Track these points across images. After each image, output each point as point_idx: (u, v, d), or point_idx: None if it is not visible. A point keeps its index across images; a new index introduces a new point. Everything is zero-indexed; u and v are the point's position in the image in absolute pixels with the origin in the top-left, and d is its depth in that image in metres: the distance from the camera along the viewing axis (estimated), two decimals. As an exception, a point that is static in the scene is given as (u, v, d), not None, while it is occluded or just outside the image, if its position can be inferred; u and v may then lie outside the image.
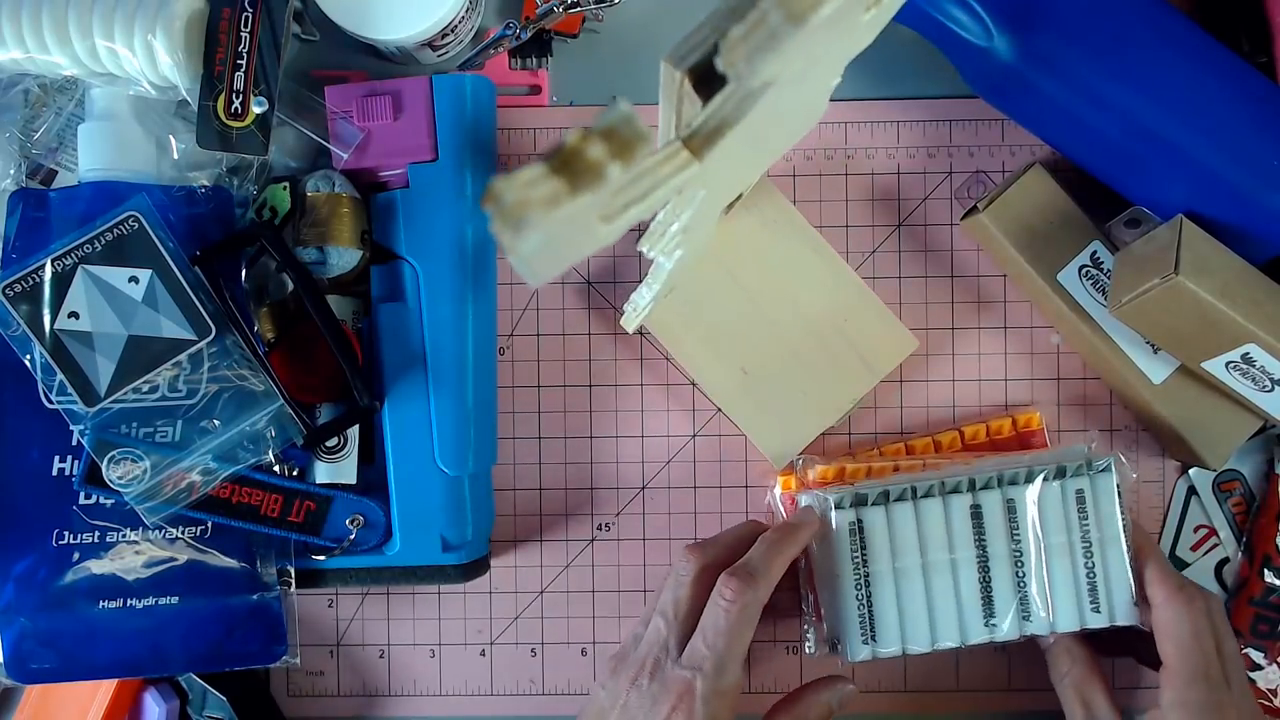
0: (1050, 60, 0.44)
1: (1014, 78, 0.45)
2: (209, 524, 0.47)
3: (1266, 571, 0.50)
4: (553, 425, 0.51)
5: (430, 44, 0.47)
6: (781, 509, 0.49)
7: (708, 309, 0.49)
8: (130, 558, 0.46)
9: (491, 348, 0.50)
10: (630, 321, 0.48)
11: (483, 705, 0.52)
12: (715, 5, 0.30)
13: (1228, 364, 0.44)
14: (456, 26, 0.48)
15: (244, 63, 0.45)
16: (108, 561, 0.46)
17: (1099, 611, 0.45)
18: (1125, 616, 0.45)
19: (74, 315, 0.44)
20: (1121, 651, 0.48)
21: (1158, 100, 0.43)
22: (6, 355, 0.44)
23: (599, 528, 0.51)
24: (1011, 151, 0.51)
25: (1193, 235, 0.43)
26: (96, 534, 0.46)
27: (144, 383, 0.45)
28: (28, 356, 0.44)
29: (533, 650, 0.52)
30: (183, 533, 0.46)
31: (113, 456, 0.44)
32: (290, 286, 0.48)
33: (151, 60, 0.44)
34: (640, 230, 0.50)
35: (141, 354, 0.44)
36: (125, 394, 0.44)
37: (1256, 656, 0.50)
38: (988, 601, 0.45)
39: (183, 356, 0.45)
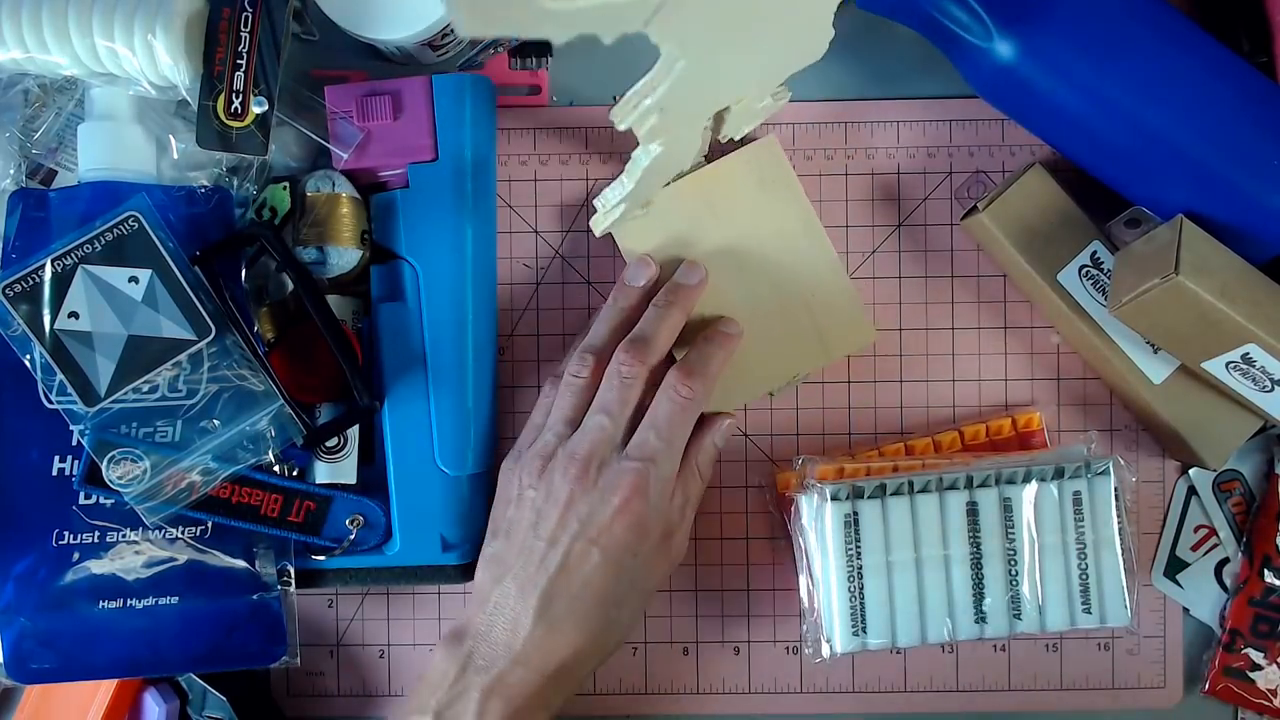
0: (1050, 60, 0.44)
1: (1014, 78, 0.45)
2: (209, 524, 0.46)
3: (1266, 571, 0.50)
4: (553, 425, 0.51)
5: (430, 44, 0.47)
6: (804, 520, 0.47)
7: (681, 244, 0.49)
8: (130, 558, 0.46)
9: (491, 348, 0.50)
10: (599, 223, 0.47)
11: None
12: None
13: (1228, 364, 0.44)
14: (456, 26, 0.48)
15: (244, 63, 0.45)
16: (107, 561, 0.46)
17: (1090, 613, 0.45)
18: (1117, 618, 0.45)
19: (74, 315, 0.44)
20: None
21: (1158, 100, 0.43)
22: (6, 355, 0.44)
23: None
24: (1011, 151, 0.51)
25: (1193, 235, 0.43)
26: (96, 534, 0.46)
27: (144, 383, 0.45)
28: (28, 356, 0.44)
29: (533, 650, 0.52)
30: (183, 533, 0.46)
31: (112, 456, 0.44)
32: (290, 286, 0.48)
33: (151, 60, 0.44)
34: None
35: (141, 354, 0.44)
36: (125, 394, 0.44)
37: (1256, 657, 0.50)
38: (979, 599, 0.45)
39: (183, 357, 0.45)
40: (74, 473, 0.45)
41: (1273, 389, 0.44)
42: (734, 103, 0.44)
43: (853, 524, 0.45)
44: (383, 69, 0.51)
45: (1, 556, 0.45)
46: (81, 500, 0.45)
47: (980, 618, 0.45)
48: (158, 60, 0.44)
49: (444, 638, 0.44)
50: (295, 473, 0.48)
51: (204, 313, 0.45)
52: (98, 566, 0.46)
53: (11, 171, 0.47)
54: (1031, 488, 0.45)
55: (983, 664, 0.51)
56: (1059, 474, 0.45)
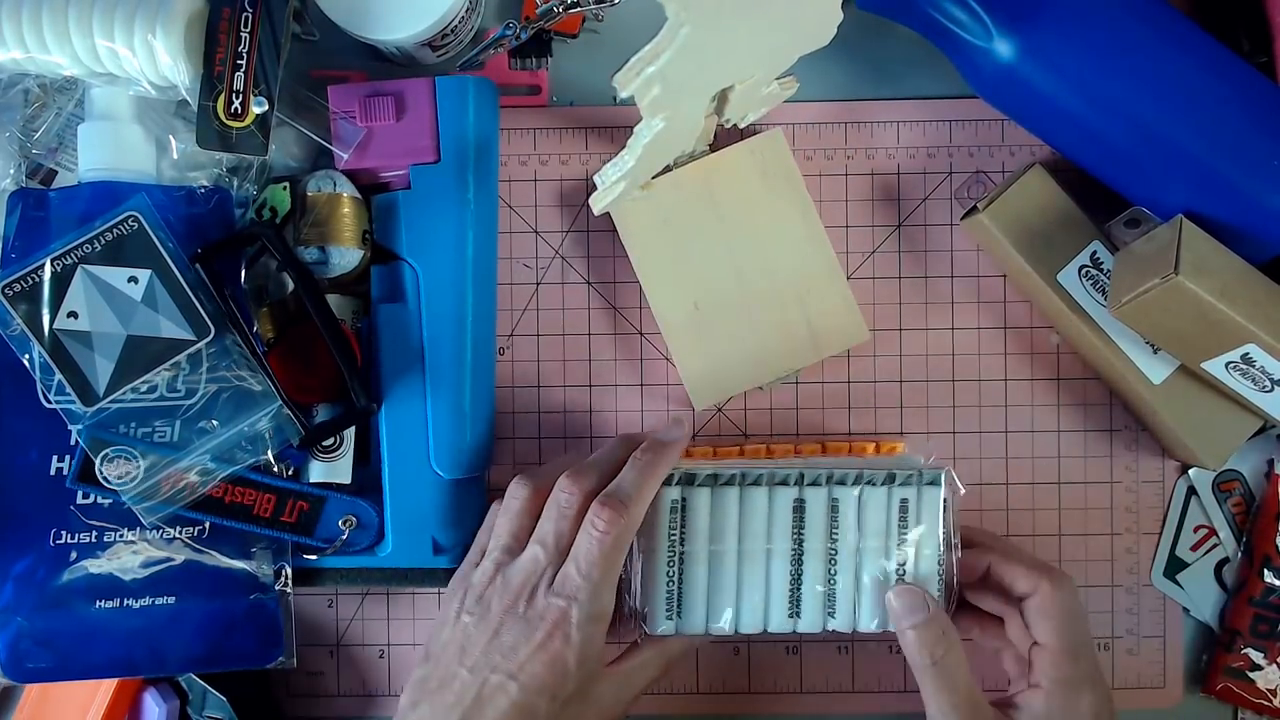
0: (1050, 60, 0.44)
1: (1014, 78, 0.45)
2: (206, 524, 0.46)
3: (1266, 571, 0.50)
4: (553, 425, 0.51)
5: (430, 44, 0.47)
6: None
7: (680, 230, 0.49)
8: (127, 557, 0.46)
9: (491, 351, 0.50)
10: (598, 200, 0.47)
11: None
12: None
13: (1228, 364, 0.44)
14: (456, 27, 0.48)
15: (244, 63, 0.45)
16: (105, 561, 0.46)
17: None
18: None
19: (73, 315, 0.44)
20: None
21: (1158, 100, 0.43)
22: (5, 355, 0.44)
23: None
24: (1011, 151, 0.51)
25: (1193, 235, 0.43)
26: (94, 534, 0.46)
27: (142, 383, 0.45)
28: (26, 356, 0.44)
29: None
30: (180, 533, 0.46)
31: (106, 454, 0.44)
32: (290, 286, 0.47)
33: (151, 60, 0.44)
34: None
35: (140, 354, 0.44)
36: (124, 394, 0.44)
37: (1256, 657, 0.50)
38: (795, 595, 0.45)
39: (181, 357, 0.45)
40: (72, 472, 0.45)
41: (1273, 389, 0.44)
42: (738, 82, 0.43)
43: (680, 510, 0.45)
44: (383, 69, 0.51)
45: (1, 556, 0.45)
46: (79, 500, 0.45)
47: (794, 613, 0.45)
48: (158, 60, 0.44)
49: None
50: (291, 472, 0.48)
51: (203, 313, 0.45)
52: (95, 566, 0.45)
53: (11, 171, 0.47)
54: (860, 490, 0.45)
55: (982, 664, 0.51)
56: (890, 479, 0.45)
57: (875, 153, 0.51)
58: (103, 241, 0.44)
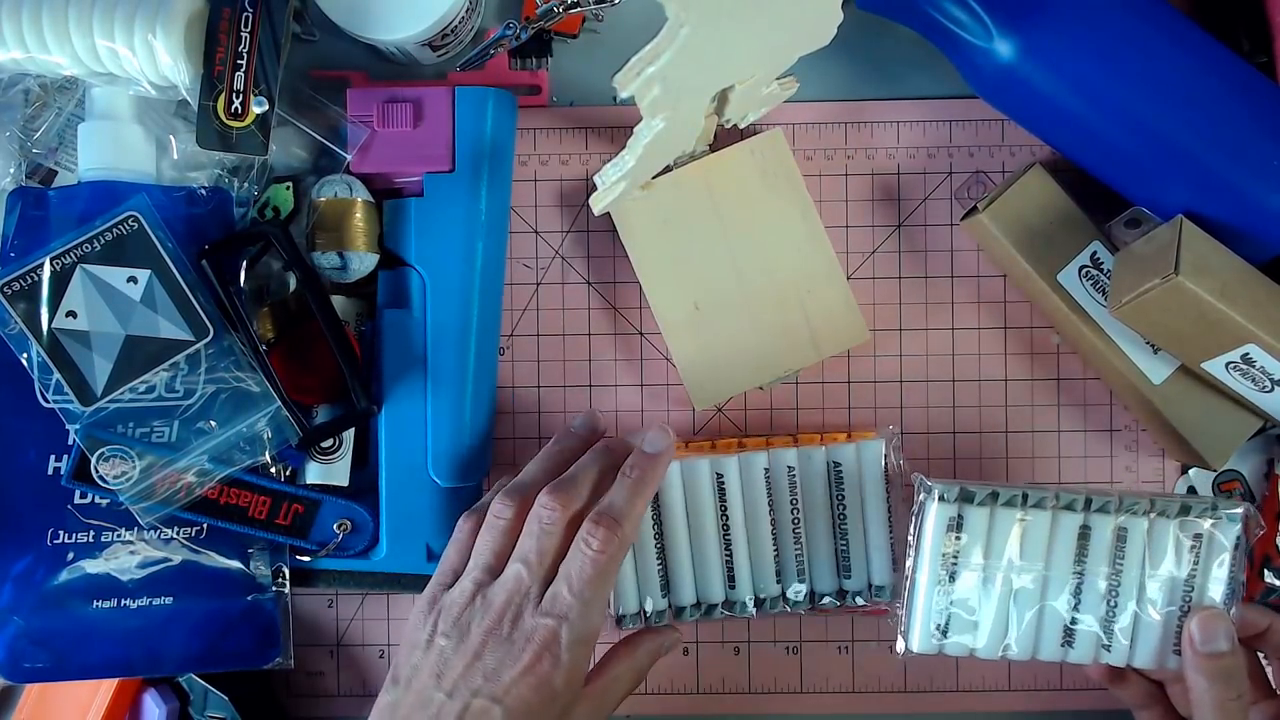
0: (1050, 60, 0.44)
1: (1014, 78, 0.45)
2: (204, 525, 0.46)
3: (1266, 571, 0.49)
4: (553, 425, 0.51)
5: (430, 44, 0.47)
6: None
7: (680, 230, 0.49)
8: (125, 558, 0.46)
9: (493, 362, 0.50)
10: (598, 200, 0.47)
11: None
12: None
13: (1228, 364, 0.44)
14: (456, 27, 0.48)
15: (244, 63, 0.45)
16: (102, 561, 0.46)
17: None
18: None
19: (72, 314, 0.44)
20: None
21: (1158, 100, 0.43)
22: (3, 354, 0.44)
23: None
24: (1011, 151, 0.51)
25: (1193, 235, 0.43)
26: (91, 533, 0.45)
27: (140, 383, 0.44)
28: (24, 355, 0.44)
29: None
30: (178, 533, 0.46)
31: (102, 453, 0.44)
32: (292, 286, 0.47)
33: (151, 60, 0.44)
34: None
35: (139, 354, 0.44)
36: (121, 394, 0.44)
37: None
38: (1071, 622, 0.44)
39: (180, 357, 0.45)
40: (70, 472, 0.45)
41: (1273, 389, 0.44)
42: (738, 82, 0.43)
43: (955, 527, 0.44)
44: (383, 69, 0.51)
45: (0, 556, 0.45)
46: (76, 500, 0.45)
47: (1068, 641, 0.44)
48: (158, 60, 0.44)
49: None
50: (288, 473, 0.48)
51: (202, 314, 0.45)
52: (92, 566, 0.45)
53: (11, 171, 0.47)
54: (1148, 521, 0.43)
55: (983, 664, 0.51)
56: (1184, 511, 0.43)
57: (875, 153, 0.51)
58: (102, 241, 0.44)
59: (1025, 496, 0.43)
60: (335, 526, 0.47)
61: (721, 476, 0.47)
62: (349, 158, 0.47)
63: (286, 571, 0.48)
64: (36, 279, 0.44)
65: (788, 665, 0.51)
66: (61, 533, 0.45)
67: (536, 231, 0.51)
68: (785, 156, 0.49)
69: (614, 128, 0.51)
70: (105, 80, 0.46)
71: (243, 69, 0.45)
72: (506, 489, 0.44)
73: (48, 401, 0.44)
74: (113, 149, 0.46)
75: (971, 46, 0.45)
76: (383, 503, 0.48)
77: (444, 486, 0.48)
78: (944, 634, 0.44)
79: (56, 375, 0.44)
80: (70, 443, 0.45)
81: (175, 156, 0.48)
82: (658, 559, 0.47)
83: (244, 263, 0.47)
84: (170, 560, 0.46)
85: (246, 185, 0.48)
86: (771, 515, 0.47)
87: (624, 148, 0.44)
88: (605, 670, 0.43)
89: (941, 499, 0.44)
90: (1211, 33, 0.44)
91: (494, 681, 0.40)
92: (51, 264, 0.44)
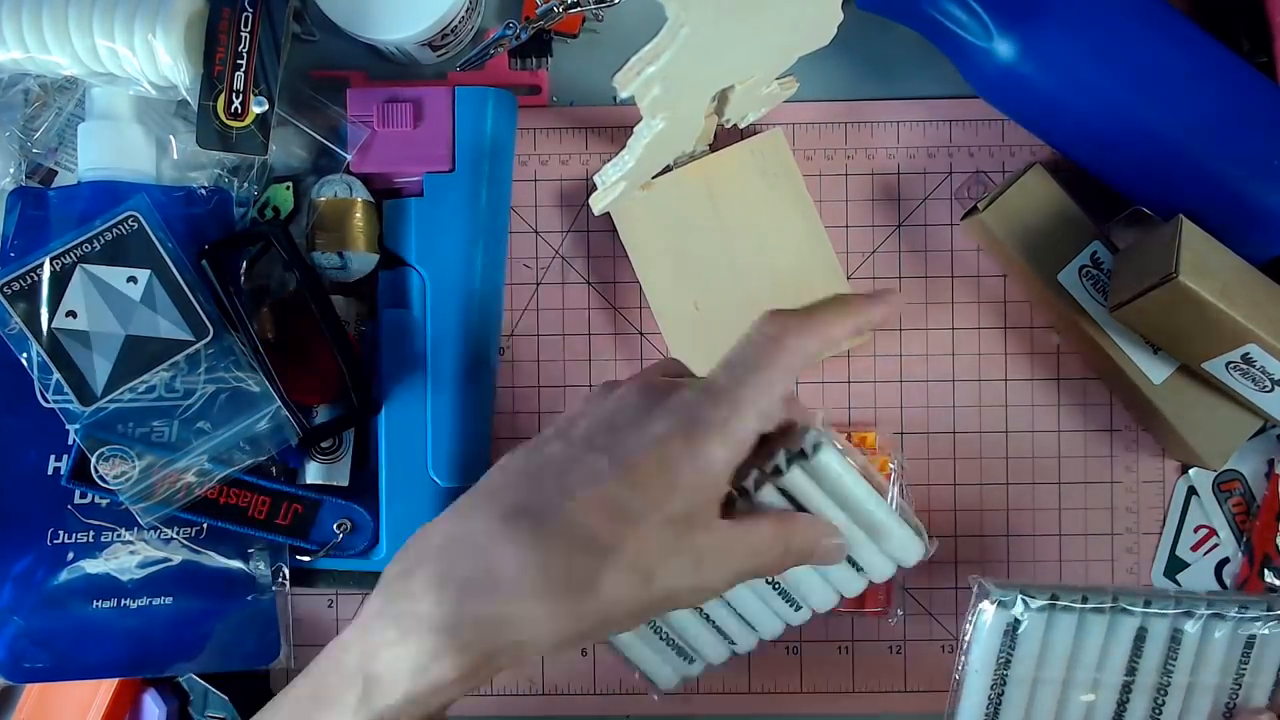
0: (1050, 60, 0.44)
1: (1014, 78, 0.45)
2: (204, 525, 0.46)
3: (1266, 571, 0.50)
4: (552, 425, 0.51)
5: (430, 44, 0.47)
6: None
7: (680, 230, 0.49)
8: (125, 558, 0.46)
9: (493, 363, 0.50)
10: (598, 200, 0.47)
11: (481, 705, 0.51)
12: None
13: (1228, 364, 0.44)
14: (456, 27, 0.48)
15: (244, 63, 0.45)
16: (102, 561, 0.46)
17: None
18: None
19: (72, 314, 0.44)
20: None
21: (1158, 100, 0.43)
22: (3, 354, 0.44)
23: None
24: (1011, 151, 0.51)
25: (1193, 235, 0.43)
26: (91, 533, 0.45)
27: (140, 383, 0.44)
28: (24, 355, 0.44)
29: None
30: (178, 533, 0.46)
31: (102, 453, 0.44)
32: (291, 286, 0.48)
33: (151, 60, 0.44)
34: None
35: (139, 354, 0.44)
36: (121, 394, 0.44)
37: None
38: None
39: (180, 357, 0.45)
40: (70, 472, 0.45)
41: (1273, 389, 0.44)
42: (738, 82, 0.43)
43: (1012, 633, 0.42)
44: (383, 69, 0.51)
45: (0, 556, 0.45)
46: (77, 500, 0.45)
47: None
48: (158, 60, 0.44)
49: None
50: (289, 473, 0.47)
51: (202, 314, 0.45)
52: (92, 566, 0.45)
53: (11, 171, 0.47)
54: (1201, 623, 0.42)
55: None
56: (1242, 608, 0.42)
57: (875, 153, 0.51)
58: (102, 241, 0.44)
59: (1084, 598, 0.42)
60: (335, 526, 0.47)
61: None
62: (349, 158, 0.47)
63: (286, 571, 0.48)
64: (36, 279, 0.44)
65: (788, 665, 0.51)
66: (61, 533, 0.45)
67: (536, 231, 0.51)
68: (785, 156, 0.49)
69: (614, 128, 0.51)
70: (105, 80, 0.46)
71: (243, 69, 0.45)
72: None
73: (48, 401, 0.44)
74: (113, 149, 0.46)
75: (971, 46, 0.45)
76: (383, 503, 0.48)
77: (444, 486, 0.48)
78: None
79: (56, 375, 0.44)
80: (70, 443, 0.45)
81: (175, 156, 0.48)
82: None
83: (244, 263, 0.47)
84: (170, 560, 0.46)
85: (246, 185, 0.48)
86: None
87: (624, 148, 0.44)
88: (751, 519, 0.35)
89: (1001, 605, 0.41)
90: (1211, 33, 0.44)
91: (616, 441, 0.32)
92: (51, 264, 0.44)
